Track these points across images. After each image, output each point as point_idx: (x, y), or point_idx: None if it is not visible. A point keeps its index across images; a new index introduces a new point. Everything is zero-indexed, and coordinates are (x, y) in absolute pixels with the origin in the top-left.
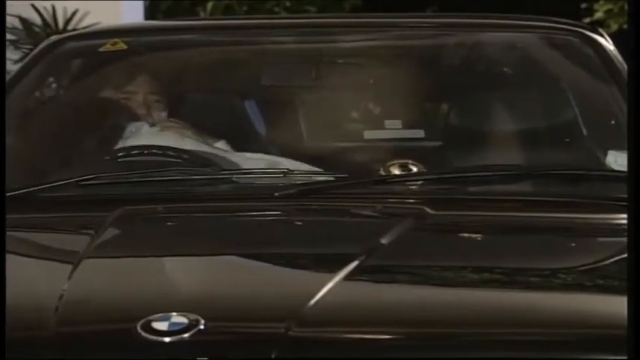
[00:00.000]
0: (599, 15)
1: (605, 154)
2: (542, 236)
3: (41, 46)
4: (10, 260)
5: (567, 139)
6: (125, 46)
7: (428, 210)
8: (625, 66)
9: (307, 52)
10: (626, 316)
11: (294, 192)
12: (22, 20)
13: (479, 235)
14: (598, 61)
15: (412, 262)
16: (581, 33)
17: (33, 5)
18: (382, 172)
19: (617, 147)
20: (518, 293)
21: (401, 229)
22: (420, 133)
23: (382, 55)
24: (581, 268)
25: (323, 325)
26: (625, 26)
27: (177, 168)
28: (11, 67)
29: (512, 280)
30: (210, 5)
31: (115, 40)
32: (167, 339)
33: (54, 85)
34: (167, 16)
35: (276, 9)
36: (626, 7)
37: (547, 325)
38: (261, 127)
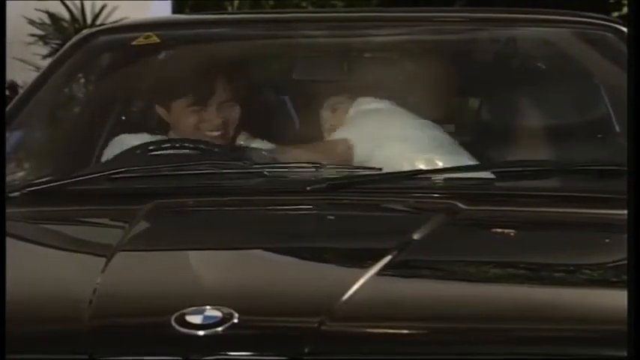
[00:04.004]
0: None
1: None
2: (574, 232)
3: (73, 39)
4: (43, 253)
5: (600, 135)
6: (158, 40)
7: (460, 205)
8: None
9: (337, 46)
10: None
11: (326, 186)
12: (51, 16)
13: (511, 231)
14: None
15: (444, 257)
16: (614, 28)
17: (62, 1)
18: (413, 167)
19: None
20: (552, 289)
21: (433, 224)
22: (450, 128)
23: (412, 49)
24: (612, 265)
25: (356, 320)
26: None
27: (208, 161)
28: (40, 62)
29: (545, 276)
30: (237, 1)
31: (148, 33)
32: (201, 332)
33: (86, 79)
34: (195, 11)
35: (303, 3)
36: None
37: (581, 321)
38: (292, 121)
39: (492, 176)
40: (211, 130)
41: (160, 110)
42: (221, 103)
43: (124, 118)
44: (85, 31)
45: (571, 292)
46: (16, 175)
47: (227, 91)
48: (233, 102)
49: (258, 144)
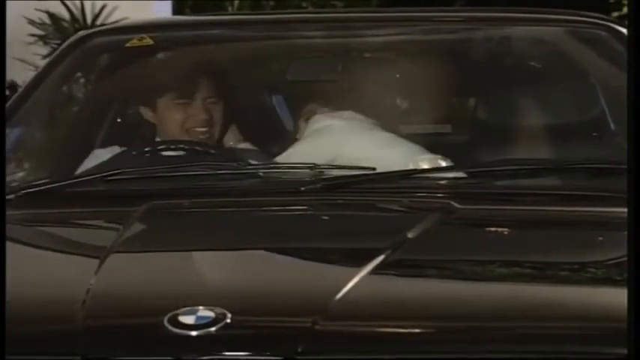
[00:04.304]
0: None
1: None
2: (570, 230)
3: (69, 40)
4: (38, 255)
5: (595, 134)
6: (152, 42)
7: (455, 204)
8: None
9: (334, 47)
10: None
11: (321, 186)
12: (51, 16)
13: (506, 230)
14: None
15: (439, 256)
16: (610, 27)
17: (62, 1)
18: (409, 167)
19: None
20: (545, 287)
21: (428, 224)
22: (447, 128)
23: (409, 49)
24: (608, 262)
25: (349, 319)
26: None
27: (203, 163)
28: (40, 63)
29: (539, 274)
30: (237, 1)
31: (142, 35)
32: (194, 333)
33: (81, 80)
34: (195, 11)
35: (304, 4)
36: None
37: (580, 319)
38: (287, 122)
39: (488, 175)
40: (197, 127)
41: (145, 111)
42: (204, 99)
43: (119, 120)
44: (81, 33)
45: (569, 290)
46: (11, 176)
47: (212, 88)
48: (217, 99)
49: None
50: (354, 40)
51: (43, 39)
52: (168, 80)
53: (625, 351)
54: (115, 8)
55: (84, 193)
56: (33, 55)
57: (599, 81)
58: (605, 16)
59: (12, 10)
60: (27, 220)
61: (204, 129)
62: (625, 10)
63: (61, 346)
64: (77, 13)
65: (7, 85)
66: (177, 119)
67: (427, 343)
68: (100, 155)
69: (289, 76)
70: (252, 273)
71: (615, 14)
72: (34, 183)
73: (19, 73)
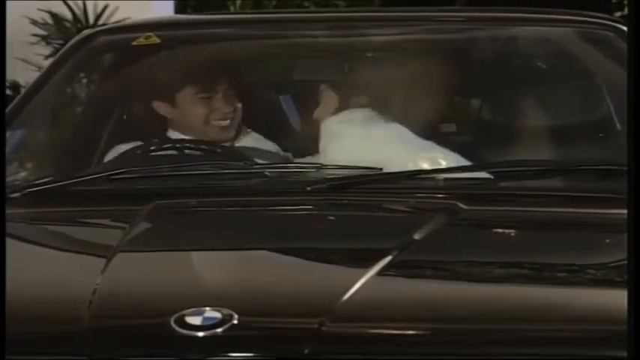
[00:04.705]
0: None
1: None
2: (575, 232)
3: (74, 40)
4: (44, 254)
5: (601, 135)
6: (158, 40)
7: (461, 205)
8: None
9: (339, 46)
10: None
11: (326, 186)
12: (53, 15)
13: (512, 231)
14: None
15: (445, 257)
16: (615, 27)
17: (64, 1)
18: (414, 167)
19: None
20: (552, 289)
21: (434, 225)
22: (451, 128)
23: (413, 49)
24: (613, 265)
25: (356, 320)
26: None
27: (209, 162)
28: (43, 63)
29: (545, 276)
30: (239, 1)
31: (149, 34)
32: (200, 334)
33: (87, 79)
34: (197, 11)
35: (306, 3)
36: None
37: (581, 321)
38: (294, 121)
39: (493, 176)
40: (222, 119)
41: (161, 106)
42: (225, 92)
43: (125, 117)
44: (86, 32)
45: (571, 292)
46: (16, 175)
47: (229, 85)
48: (235, 93)
49: (266, 144)
50: (362, 39)
51: (46, 39)
52: (189, 75)
53: (625, 353)
54: (117, 8)
55: (90, 192)
56: (35, 55)
57: (605, 81)
58: (610, 17)
59: (14, 10)
60: (33, 218)
61: (228, 122)
62: (627, 10)
63: (67, 347)
64: (79, 13)
65: (9, 85)
66: (201, 113)
67: (434, 344)
68: (123, 150)
69: (296, 76)
70: (258, 273)
71: (618, 14)
72: (40, 181)
73: (22, 74)
